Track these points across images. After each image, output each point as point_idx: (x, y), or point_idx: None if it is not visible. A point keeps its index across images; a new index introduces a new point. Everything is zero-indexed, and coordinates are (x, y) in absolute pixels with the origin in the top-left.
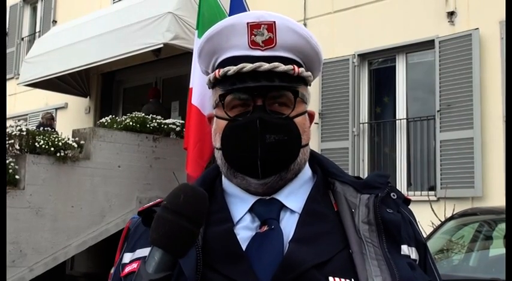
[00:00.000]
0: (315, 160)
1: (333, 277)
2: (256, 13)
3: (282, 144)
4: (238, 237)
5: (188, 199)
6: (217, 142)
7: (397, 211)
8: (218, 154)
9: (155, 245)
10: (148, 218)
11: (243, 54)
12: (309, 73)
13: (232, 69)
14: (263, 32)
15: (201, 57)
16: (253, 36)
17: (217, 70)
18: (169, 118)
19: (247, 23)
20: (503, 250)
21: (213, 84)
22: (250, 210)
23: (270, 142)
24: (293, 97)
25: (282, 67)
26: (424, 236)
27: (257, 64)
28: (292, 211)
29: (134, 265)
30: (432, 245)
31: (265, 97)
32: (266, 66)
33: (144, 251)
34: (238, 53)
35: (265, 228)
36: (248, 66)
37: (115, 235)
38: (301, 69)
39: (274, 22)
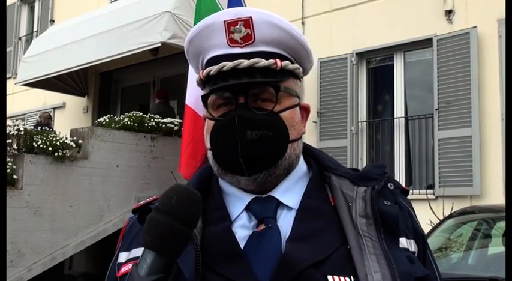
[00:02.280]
0: (310, 153)
1: (332, 275)
2: (233, 10)
3: (265, 140)
4: (236, 236)
5: (181, 200)
6: (208, 143)
7: (395, 202)
8: (209, 154)
9: (147, 247)
10: (144, 217)
11: (223, 53)
12: (296, 65)
13: (213, 69)
14: (240, 29)
15: (189, 59)
16: (231, 33)
17: (201, 71)
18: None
19: (224, 21)
20: (502, 248)
21: (201, 85)
22: (247, 208)
23: (251, 138)
24: (275, 92)
25: (263, 62)
26: None
27: (236, 62)
28: (289, 208)
29: (130, 265)
30: (431, 244)
31: (247, 94)
32: (245, 63)
33: (139, 251)
34: (220, 52)
35: (262, 227)
36: (228, 65)
37: (113, 234)
38: (285, 62)
39: (251, 17)
